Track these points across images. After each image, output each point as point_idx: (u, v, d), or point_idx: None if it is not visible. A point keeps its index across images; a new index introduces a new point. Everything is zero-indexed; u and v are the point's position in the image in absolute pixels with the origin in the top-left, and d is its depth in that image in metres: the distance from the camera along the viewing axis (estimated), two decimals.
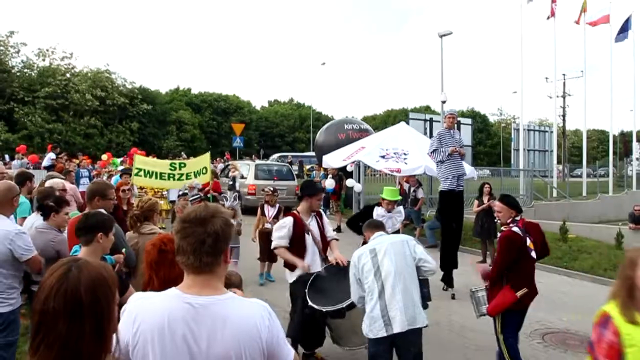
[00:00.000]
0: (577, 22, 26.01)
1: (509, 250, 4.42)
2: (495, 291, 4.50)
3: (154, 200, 4.66)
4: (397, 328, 3.80)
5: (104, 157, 21.40)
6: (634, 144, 31.86)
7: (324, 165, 16.19)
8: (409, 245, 4.14)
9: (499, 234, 4.65)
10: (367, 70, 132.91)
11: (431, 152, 8.47)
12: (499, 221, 4.80)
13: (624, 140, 44.41)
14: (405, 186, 12.55)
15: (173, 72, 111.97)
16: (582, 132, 30.07)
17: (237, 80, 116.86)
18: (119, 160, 20.98)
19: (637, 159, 31.38)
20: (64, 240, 4.17)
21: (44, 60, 42.29)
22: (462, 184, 8.52)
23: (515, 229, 4.46)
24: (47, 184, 6.60)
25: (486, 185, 10.54)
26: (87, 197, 4.60)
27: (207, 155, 10.87)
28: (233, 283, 2.39)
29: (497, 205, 4.71)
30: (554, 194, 23.68)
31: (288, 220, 5.05)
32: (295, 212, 5.19)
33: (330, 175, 14.83)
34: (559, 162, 31.12)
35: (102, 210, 3.95)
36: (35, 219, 4.74)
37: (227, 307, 1.70)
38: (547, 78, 37.76)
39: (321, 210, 5.44)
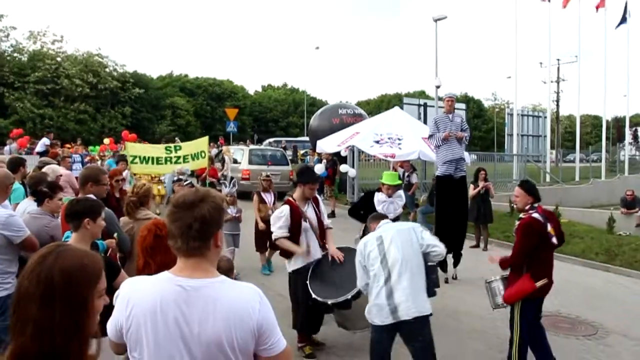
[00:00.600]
0: (564, 6, 25.91)
1: (530, 236, 4.35)
2: (513, 279, 4.45)
3: (148, 186, 4.70)
4: (403, 315, 3.76)
5: (106, 141, 21.21)
6: (627, 129, 32.04)
7: (318, 150, 16.13)
8: (415, 232, 4.08)
9: (517, 222, 4.57)
10: (361, 55, 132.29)
11: (428, 138, 8.46)
12: (516, 206, 4.75)
13: (617, 126, 44.65)
14: (400, 171, 12.57)
15: (165, 57, 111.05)
16: (576, 117, 30.14)
17: (231, 65, 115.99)
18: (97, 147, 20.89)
19: (629, 144, 31.52)
20: (58, 225, 4.16)
21: (34, 43, 41.78)
22: (463, 169, 8.08)
23: (536, 215, 4.41)
24: (45, 170, 6.53)
25: (482, 172, 10.64)
26: (79, 183, 4.60)
27: (205, 139, 10.74)
28: (222, 268, 2.39)
29: (515, 190, 4.67)
30: (547, 179, 23.79)
31: (285, 209, 4.95)
32: (290, 199, 5.09)
33: (324, 161, 14.81)
34: (552, 147, 31.21)
35: (91, 196, 3.94)
36: (27, 204, 4.72)
37: (219, 289, 1.71)
38: (541, 63, 37.57)
39: (317, 196, 5.34)
